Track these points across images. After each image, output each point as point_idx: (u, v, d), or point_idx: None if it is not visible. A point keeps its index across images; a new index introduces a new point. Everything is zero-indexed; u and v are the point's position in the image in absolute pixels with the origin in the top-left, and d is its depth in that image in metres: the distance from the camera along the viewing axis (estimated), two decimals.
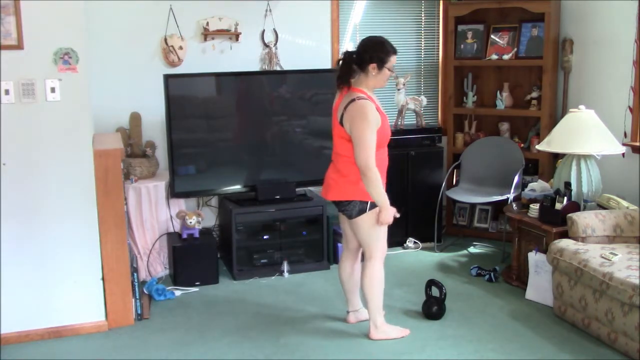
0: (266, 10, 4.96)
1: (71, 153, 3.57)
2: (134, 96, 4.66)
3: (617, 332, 3.40)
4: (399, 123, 5.18)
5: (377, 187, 3.34)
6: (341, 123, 3.38)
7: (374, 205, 3.42)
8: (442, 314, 3.88)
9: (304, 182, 4.84)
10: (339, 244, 4.84)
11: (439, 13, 5.58)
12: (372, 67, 3.37)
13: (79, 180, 3.60)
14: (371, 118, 3.32)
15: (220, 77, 4.64)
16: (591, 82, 4.89)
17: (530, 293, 4.15)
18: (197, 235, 4.50)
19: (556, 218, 4.05)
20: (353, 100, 3.35)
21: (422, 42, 5.60)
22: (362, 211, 3.43)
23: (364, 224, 3.47)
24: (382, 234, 3.55)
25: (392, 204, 3.44)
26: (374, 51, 3.38)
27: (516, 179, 4.90)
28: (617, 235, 3.90)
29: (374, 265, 3.53)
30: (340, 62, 3.46)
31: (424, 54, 5.62)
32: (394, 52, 3.43)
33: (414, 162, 5.11)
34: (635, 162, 4.44)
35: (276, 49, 5.01)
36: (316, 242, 4.75)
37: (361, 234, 3.52)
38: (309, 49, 5.14)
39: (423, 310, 3.91)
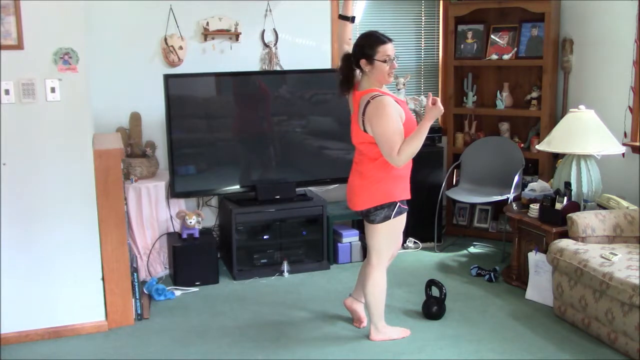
0: (266, 10, 4.96)
1: (71, 153, 3.56)
2: (134, 96, 4.66)
3: (617, 332, 3.40)
4: None
5: (413, 141, 3.19)
6: (364, 129, 3.30)
7: (398, 213, 3.41)
8: (442, 314, 3.88)
9: (304, 182, 4.84)
10: (339, 244, 4.85)
11: (439, 13, 5.58)
12: (363, 63, 3.29)
13: (79, 180, 3.59)
14: (390, 111, 3.21)
15: (220, 77, 4.64)
16: (591, 82, 4.89)
17: (530, 293, 4.15)
18: (197, 235, 4.49)
19: (556, 218, 4.05)
20: (368, 102, 3.27)
21: (422, 42, 5.60)
22: (387, 218, 3.39)
23: (383, 230, 3.43)
24: (393, 242, 3.54)
25: None
26: (359, 46, 3.32)
27: (516, 179, 4.89)
28: (617, 235, 3.90)
29: (380, 272, 3.51)
30: (340, 66, 3.40)
31: (424, 54, 5.62)
32: (382, 42, 3.29)
33: (413, 162, 5.05)
34: (635, 162, 4.44)
35: (276, 49, 5.01)
36: (316, 242, 4.74)
37: (376, 240, 3.47)
38: (309, 49, 5.14)
39: (423, 310, 3.91)
